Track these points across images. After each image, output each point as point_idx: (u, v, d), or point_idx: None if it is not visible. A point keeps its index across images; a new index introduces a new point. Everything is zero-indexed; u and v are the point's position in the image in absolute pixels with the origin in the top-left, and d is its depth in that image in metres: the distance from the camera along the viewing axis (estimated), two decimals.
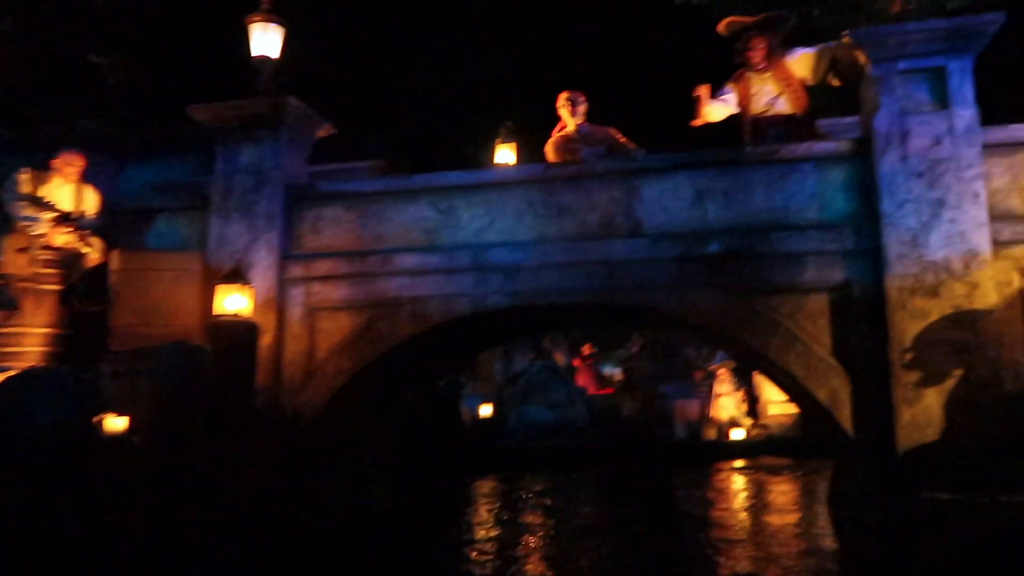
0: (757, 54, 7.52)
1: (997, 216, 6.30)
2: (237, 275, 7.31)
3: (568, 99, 7.83)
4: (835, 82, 7.43)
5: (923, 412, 6.06)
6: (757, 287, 6.83)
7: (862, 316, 6.56)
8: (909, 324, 6.23)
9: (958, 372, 6.04)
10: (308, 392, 7.51)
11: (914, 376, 6.14)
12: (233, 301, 7.14)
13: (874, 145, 6.59)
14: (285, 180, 7.91)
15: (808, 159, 6.92)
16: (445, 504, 10.82)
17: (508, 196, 7.51)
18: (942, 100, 6.48)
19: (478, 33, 16.91)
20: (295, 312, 7.73)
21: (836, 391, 6.55)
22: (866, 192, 6.71)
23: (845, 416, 6.47)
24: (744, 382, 18.82)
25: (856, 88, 7.23)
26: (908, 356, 6.19)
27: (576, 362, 20.64)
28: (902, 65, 6.65)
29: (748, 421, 17.60)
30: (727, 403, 17.77)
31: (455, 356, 9.96)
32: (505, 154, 8.60)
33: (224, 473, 6.14)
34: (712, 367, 18.81)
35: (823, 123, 8.30)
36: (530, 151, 9.29)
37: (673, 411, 18.36)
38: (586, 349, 20.49)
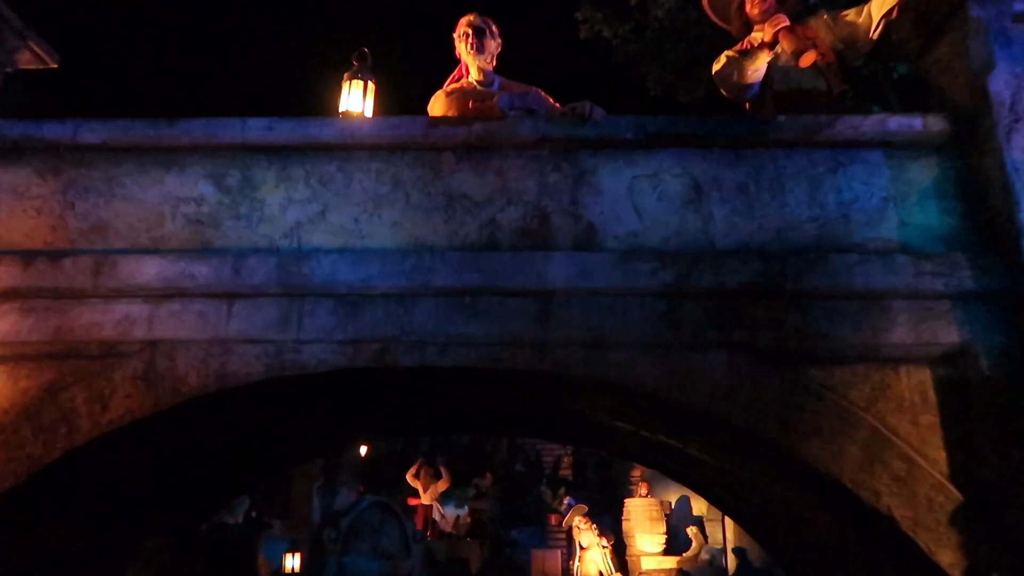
0: (757, 5, 4.71)
1: None
2: None
3: (471, 27, 4.52)
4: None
5: None
6: (808, 351, 3.63)
7: (992, 408, 3.48)
8: None
9: None
10: None
11: None
12: None
13: (996, 120, 3.75)
14: None
15: (877, 144, 3.96)
16: None
17: (357, 169, 3.99)
18: None
19: None
20: None
21: (968, 550, 3.32)
22: (974, 198, 3.85)
23: None
24: (608, 530, 15.47)
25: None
26: None
27: (413, 500, 16.44)
28: (1019, 7, 4.02)
29: None
30: (594, 556, 14.23)
31: (243, 472, 5.79)
32: (355, 99, 5.07)
33: None
34: (568, 516, 15.37)
35: None
36: (399, 105, 5.92)
37: (529, 564, 14.59)
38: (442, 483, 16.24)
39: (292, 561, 11.82)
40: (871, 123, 3.97)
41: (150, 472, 4.24)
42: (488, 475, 17.67)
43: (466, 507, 16.14)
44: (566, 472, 20.02)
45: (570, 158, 3.99)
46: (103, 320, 3.69)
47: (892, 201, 3.89)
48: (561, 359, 3.60)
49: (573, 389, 3.86)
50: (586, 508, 15.50)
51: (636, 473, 17.58)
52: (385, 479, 16.38)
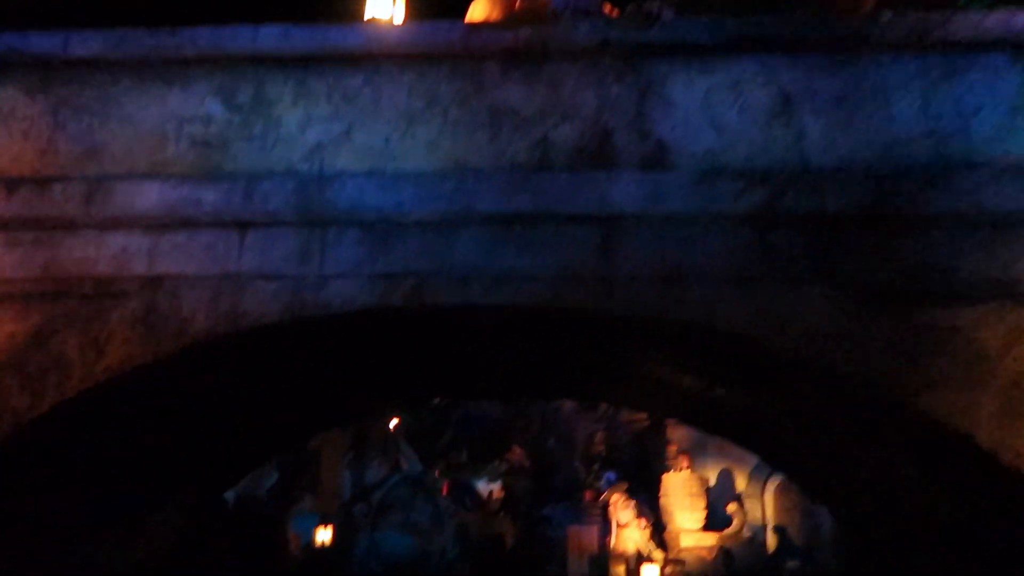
0: None
1: None
2: None
3: None
4: None
5: None
6: (927, 288, 3.02)
7: None
8: None
9: None
10: None
11: None
12: None
13: None
14: None
15: (1002, 45, 3.32)
16: None
17: (386, 83, 3.40)
18: None
19: None
20: None
21: None
22: None
23: None
24: (645, 507, 14.88)
25: None
26: None
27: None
28: None
29: (659, 555, 13.50)
30: (632, 534, 13.64)
31: (261, 438, 5.24)
32: (383, 4, 4.44)
33: None
34: (605, 494, 14.80)
35: None
36: (433, 11, 5.26)
37: (565, 541, 14.06)
38: None
39: (323, 535, 11.43)
40: (995, 21, 3.30)
41: (155, 434, 3.75)
42: (519, 450, 17.19)
43: (498, 482, 15.67)
44: (599, 448, 19.47)
45: (635, 67, 3.37)
46: (97, 254, 3.17)
47: (1020, 111, 3.23)
48: (629, 297, 3.01)
49: (640, 335, 3.28)
50: (627, 485, 14.95)
51: (673, 448, 16.95)
52: (416, 454, 15.97)
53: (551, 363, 4.16)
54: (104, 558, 4.30)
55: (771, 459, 5.59)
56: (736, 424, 4.86)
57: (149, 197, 3.19)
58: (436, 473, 16.25)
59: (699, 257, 3.02)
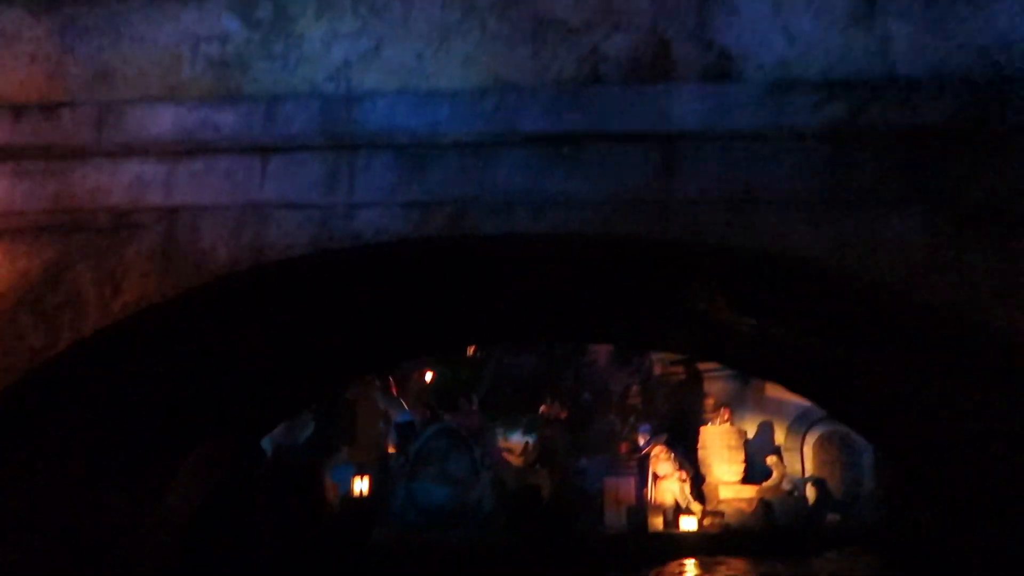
0: None
1: None
2: None
3: None
4: None
5: None
6: None
7: None
8: None
9: None
10: None
11: None
12: None
13: None
14: None
15: None
16: None
17: None
18: None
19: None
20: None
21: None
22: None
23: None
24: (687, 461, 14.68)
25: None
26: None
27: None
28: None
29: (697, 507, 13.32)
30: (671, 486, 13.46)
31: (289, 384, 5.00)
32: None
33: None
34: (644, 447, 14.60)
35: None
36: None
37: (601, 493, 13.94)
38: None
39: (360, 485, 11.41)
40: None
41: (177, 377, 3.54)
42: (555, 403, 17.05)
43: (534, 435, 15.55)
44: (634, 400, 19.26)
45: None
46: (111, 183, 2.93)
47: None
48: (690, 223, 2.69)
49: (700, 267, 2.96)
50: (666, 437, 14.76)
51: (710, 401, 16.68)
52: (452, 406, 15.92)
53: (597, 302, 3.86)
54: (136, 506, 4.17)
55: (823, 400, 5.26)
56: (789, 366, 4.54)
57: (164, 122, 2.93)
58: (471, 426, 16.19)
59: (770, 178, 2.68)
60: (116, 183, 2.93)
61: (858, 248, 2.59)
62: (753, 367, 5.35)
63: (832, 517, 14.19)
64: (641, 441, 15.02)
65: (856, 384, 4.27)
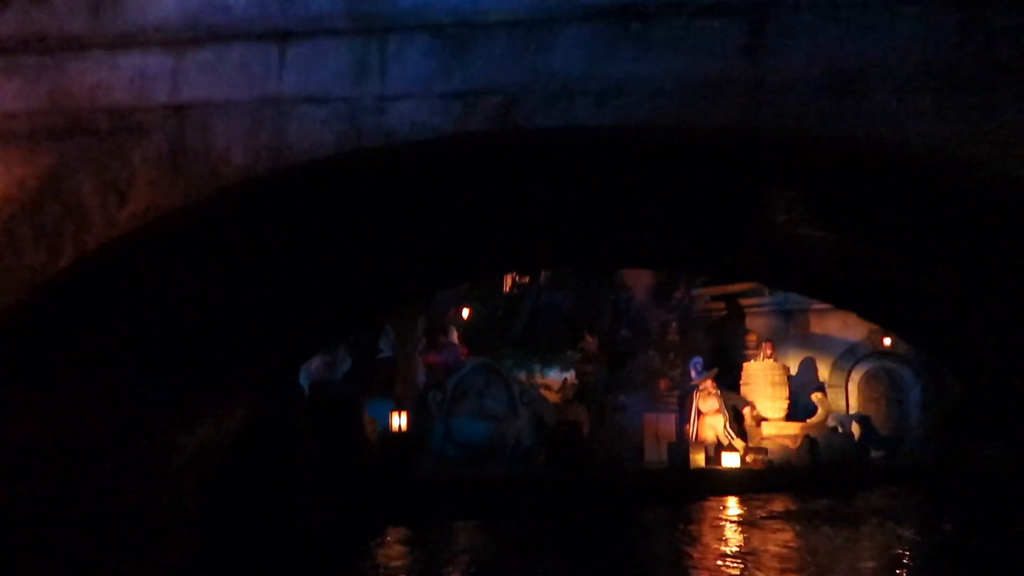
0: None
1: None
2: None
3: None
4: None
5: None
6: None
7: None
8: None
9: None
10: None
11: None
12: None
13: None
14: None
15: None
16: None
17: None
18: None
19: None
20: None
21: None
22: None
23: None
24: (729, 396, 14.37)
25: None
26: None
27: None
28: None
29: (740, 444, 13.03)
30: (715, 422, 13.17)
31: (319, 312, 4.62)
32: None
33: None
34: (696, 380, 14.24)
35: None
36: None
37: (641, 429, 13.73)
38: None
39: (399, 420, 11.30)
40: None
41: (194, 298, 3.23)
42: (593, 339, 16.74)
43: (572, 370, 15.30)
44: (673, 337, 18.88)
45: None
46: (111, 79, 2.57)
47: None
48: (783, 110, 2.25)
49: (792, 164, 2.52)
50: (717, 371, 14.40)
51: (752, 337, 16.25)
52: (488, 343, 15.71)
53: (659, 216, 3.42)
54: (168, 436, 3.93)
55: (893, 324, 4.83)
56: (862, 288, 4.09)
57: (167, 5, 2.54)
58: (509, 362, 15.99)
59: (882, 53, 2.21)
60: (117, 78, 2.57)
61: (994, 137, 2.13)
62: (822, 291, 4.90)
63: (877, 454, 13.86)
64: (693, 373, 14.67)
65: (936, 307, 3.83)
